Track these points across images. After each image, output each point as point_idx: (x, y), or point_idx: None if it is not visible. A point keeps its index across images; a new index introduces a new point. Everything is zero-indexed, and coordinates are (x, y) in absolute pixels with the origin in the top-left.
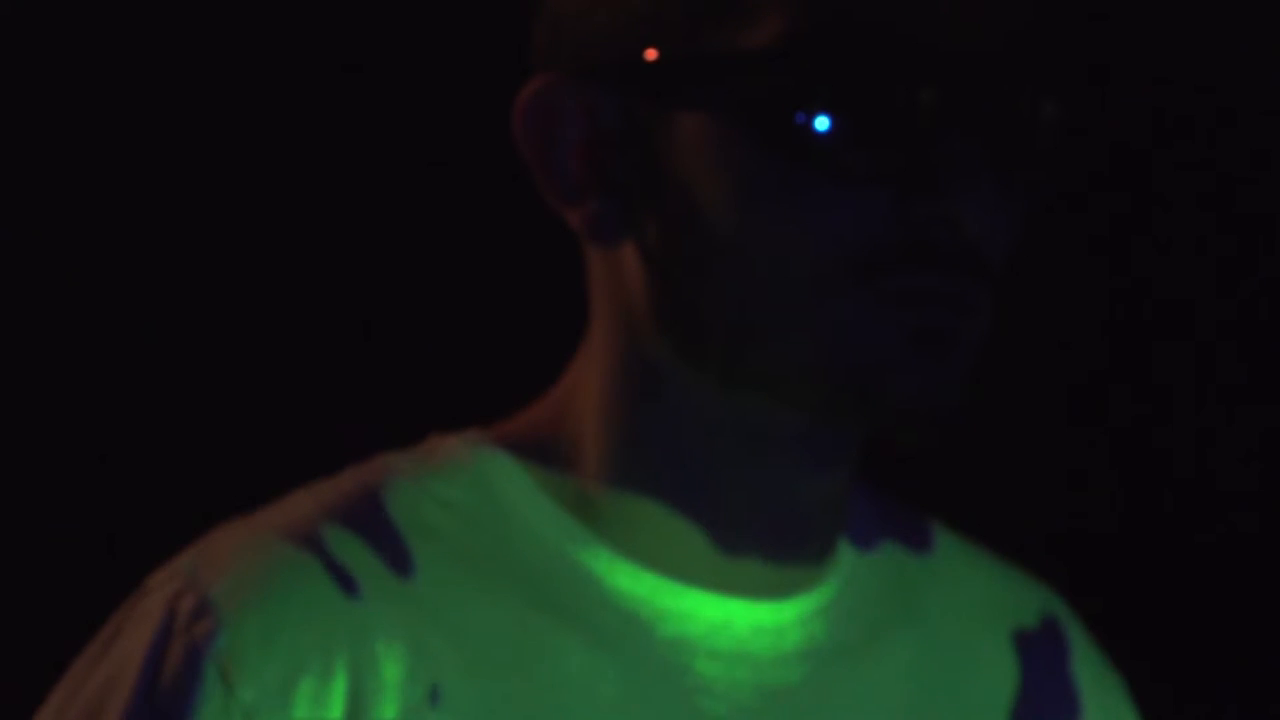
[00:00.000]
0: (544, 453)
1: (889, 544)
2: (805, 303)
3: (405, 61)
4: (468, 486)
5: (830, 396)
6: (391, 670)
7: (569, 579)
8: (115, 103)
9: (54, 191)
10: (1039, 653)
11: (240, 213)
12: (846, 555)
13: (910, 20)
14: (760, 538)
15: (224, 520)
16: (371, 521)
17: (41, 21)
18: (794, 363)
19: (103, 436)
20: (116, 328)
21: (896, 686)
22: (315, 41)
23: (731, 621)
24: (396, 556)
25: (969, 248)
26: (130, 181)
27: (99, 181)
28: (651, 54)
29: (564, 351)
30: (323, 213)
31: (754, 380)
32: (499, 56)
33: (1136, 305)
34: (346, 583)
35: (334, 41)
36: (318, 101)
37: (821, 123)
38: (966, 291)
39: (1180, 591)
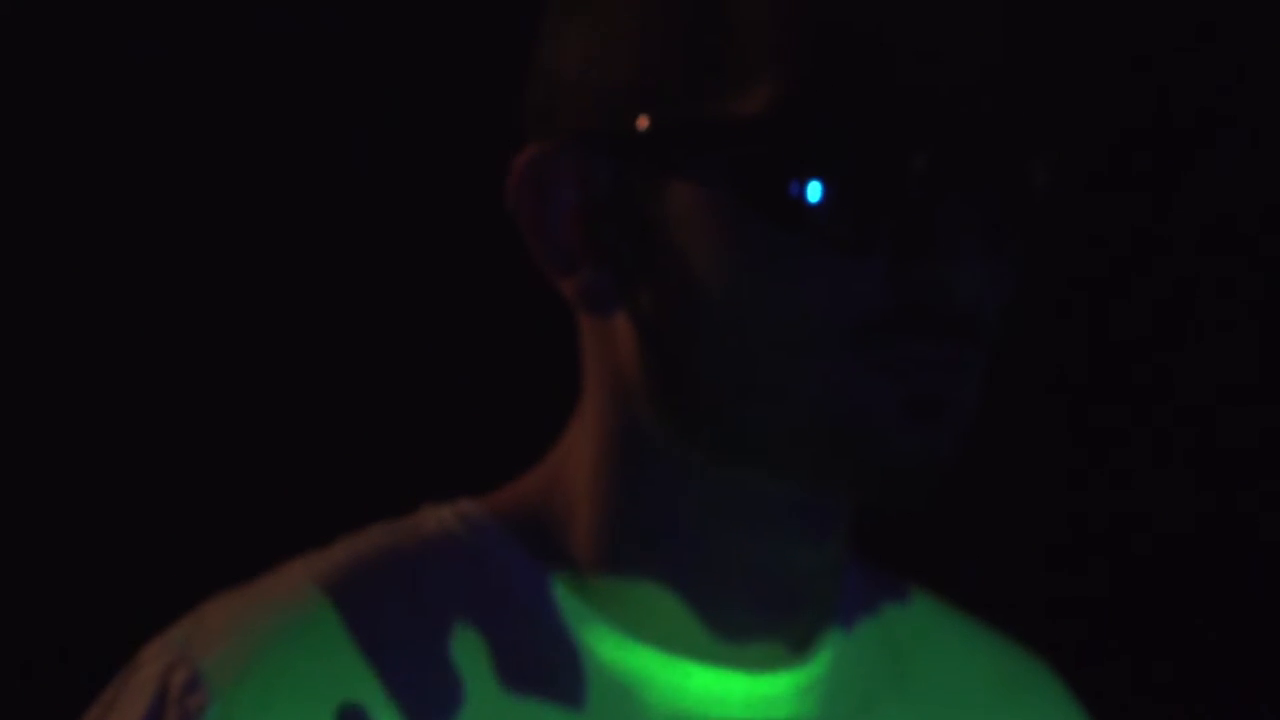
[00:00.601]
0: (536, 523)
1: (879, 614)
2: (798, 368)
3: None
4: (459, 559)
5: (822, 461)
6: None
7: (561, 651)
8: (115, 104)
9: (54, 191)
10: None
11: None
12: (839, 627)
13: (901, 83)
14: (753, 610)
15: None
16: (364, 595)
17: (41, 21)
18: (786, 428)
19: (103, 436)
20: (116, 328)
21: None
22: (317, 43)
23: (725, 694)
24: (388, 630)
25: (964, 312)
26: (130, 184)
27: (99, 182)
28: (643, 121)
29: (557, 419)
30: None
31: (746, 447)
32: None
33: (1136, 306)
34: (338, 655)
35: (336, 42)
36: (320, 115)
37: (814, 190)
38: (960, 356)
39: (1179, 592)
